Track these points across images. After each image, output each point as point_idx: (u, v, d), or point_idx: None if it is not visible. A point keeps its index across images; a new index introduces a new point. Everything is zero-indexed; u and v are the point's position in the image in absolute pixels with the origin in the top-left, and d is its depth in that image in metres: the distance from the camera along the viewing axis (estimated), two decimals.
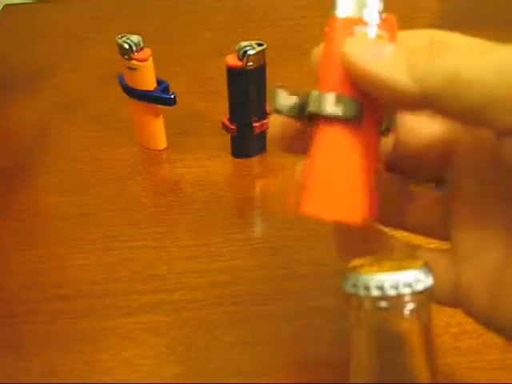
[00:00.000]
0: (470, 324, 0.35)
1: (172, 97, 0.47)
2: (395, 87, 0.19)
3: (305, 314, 0.37)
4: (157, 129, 0.51)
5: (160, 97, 0.48)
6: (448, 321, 0.35)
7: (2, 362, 0.35)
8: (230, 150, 0.50)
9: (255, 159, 0.50)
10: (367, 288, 0.20)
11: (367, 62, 0.19)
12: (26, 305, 0.38)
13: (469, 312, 0.23)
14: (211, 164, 0.50)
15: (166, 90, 0.48)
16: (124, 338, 0.36)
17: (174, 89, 0.48)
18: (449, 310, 0.24)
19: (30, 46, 0.69)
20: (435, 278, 0.21)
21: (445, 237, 0.24)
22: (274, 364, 0.34)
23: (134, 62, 0.46)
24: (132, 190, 0.47)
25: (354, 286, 0.21)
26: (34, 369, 0.35)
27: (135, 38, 0.46)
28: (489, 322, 0.22)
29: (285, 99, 0.22)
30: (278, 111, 0.22)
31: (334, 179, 0.21)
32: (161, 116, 0.50)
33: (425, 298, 0.21)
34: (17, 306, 0.38)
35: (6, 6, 0.78)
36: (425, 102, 0.19)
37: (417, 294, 0.20)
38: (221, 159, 0.50)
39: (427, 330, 0.21)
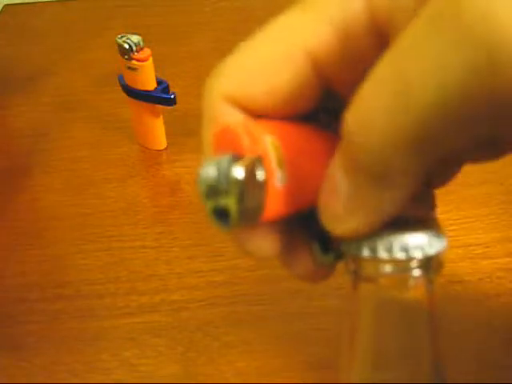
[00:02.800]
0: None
1: (172, 97, 0.47)
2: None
3: (305, 314, 0.37)
4: (157, 129, 0.51)
5: (160, 97, 0.48)
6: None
7: (1, 362, 0.35)
8: None
9: None
10: (373, 250, 0.18)
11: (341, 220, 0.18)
12: (26, 305, 0.38)
13: None
14: None
15: (166, 89, 0.48)
16: (124, 338, 0.36)
17: (174, 89, 0.48)
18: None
19: (30, 45, 0.69)
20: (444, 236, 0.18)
21: None
22: (274, 364, 0.34)
23: (134, 61, 0.46)
24: (132, 190, 0.47)
25: (357, 247, 0.18)
26: (33, 369, 0.35)
27: (135, 38, 0.46)
28: None
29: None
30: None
31: None
32: (161, 116, 0.50)
33: (435, 263, 0.18)
34: (17, 306, 0.38)
35: (6, 5, 0.78)
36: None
37: (428, 259, 0.18)
38: None
39: (432, 301, 0.19)
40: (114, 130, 0.54)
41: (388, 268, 0.18)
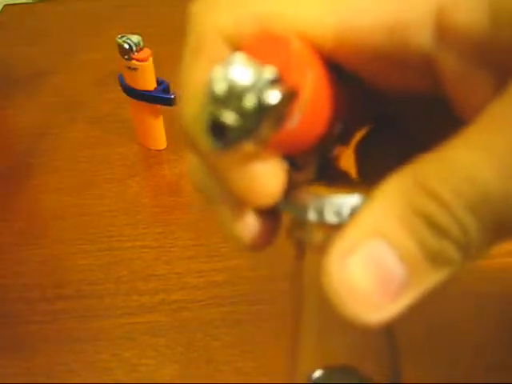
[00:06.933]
0: None
1: (172, 97, 0.47)
2: None
3: None
4: (157, 129, 0.51)
5: (160, 97, 0.48)
6: None
7: (2, 361, 0.35)
8: None
9: None
10: (321, 213, 0.15)
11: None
12: (26, 305, 0.38)
13: None
14: None
15: (166, 90, 0.48)
16: (124, 338, 0.36)
17: (174, 89, 0.48)
18: None
19: (30, 46, 0.69)
20: None
21: None
22: (274, 364, 0.34)
23: (134, 61, 0.46)
24: (132, 190, 0.47)
25: (302, 208, 0.15)
26: (34, 369, 0.35)
27: (135, 38, 0.46)
28: None
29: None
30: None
31: None
32: (161, 116, 0.50)
33: None
34: (17, 306, 0.38)
35: (6, 5, 0.78)
36: None
37: None
38: None
39: None
40: (114, 130, 0.54)
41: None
